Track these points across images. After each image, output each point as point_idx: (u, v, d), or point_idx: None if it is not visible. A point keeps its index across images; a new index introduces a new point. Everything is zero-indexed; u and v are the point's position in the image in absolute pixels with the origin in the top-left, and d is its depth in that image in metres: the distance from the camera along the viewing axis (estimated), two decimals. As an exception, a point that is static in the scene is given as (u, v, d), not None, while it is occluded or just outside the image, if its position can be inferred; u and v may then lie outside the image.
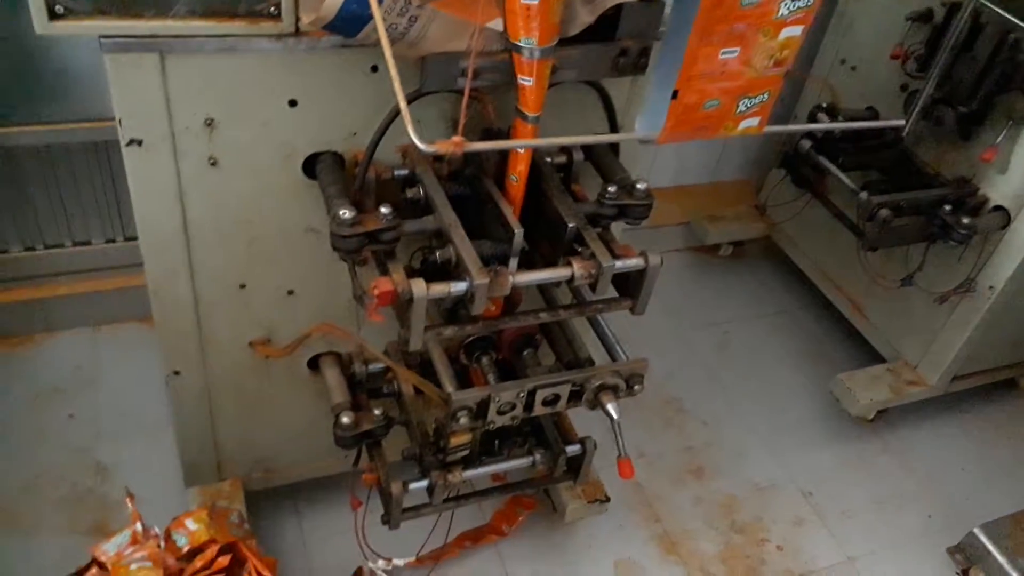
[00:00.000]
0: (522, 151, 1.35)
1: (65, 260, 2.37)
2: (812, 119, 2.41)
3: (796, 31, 0.88)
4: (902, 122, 1.26)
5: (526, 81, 1.25)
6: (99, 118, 2.13)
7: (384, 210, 1.29)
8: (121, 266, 2.41)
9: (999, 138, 2.12)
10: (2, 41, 1.94)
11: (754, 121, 0.95)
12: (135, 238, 1.45)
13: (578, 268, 1.32)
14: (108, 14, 1.16)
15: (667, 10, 1.35)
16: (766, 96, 0.93)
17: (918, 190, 2.24)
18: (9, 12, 1.88)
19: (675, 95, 0.87)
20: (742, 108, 0.93)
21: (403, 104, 0.97)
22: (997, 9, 1.91)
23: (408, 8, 1.14)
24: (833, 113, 2.35)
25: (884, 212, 2.15)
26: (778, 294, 3.00)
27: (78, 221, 2.33)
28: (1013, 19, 1.88)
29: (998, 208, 2.19)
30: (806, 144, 2.34)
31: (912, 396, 2.47)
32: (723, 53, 0.85)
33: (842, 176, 2.28)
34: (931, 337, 2.45)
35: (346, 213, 1.26)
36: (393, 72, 1.01)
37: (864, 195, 2.18)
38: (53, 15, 1.14)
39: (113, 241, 2.40)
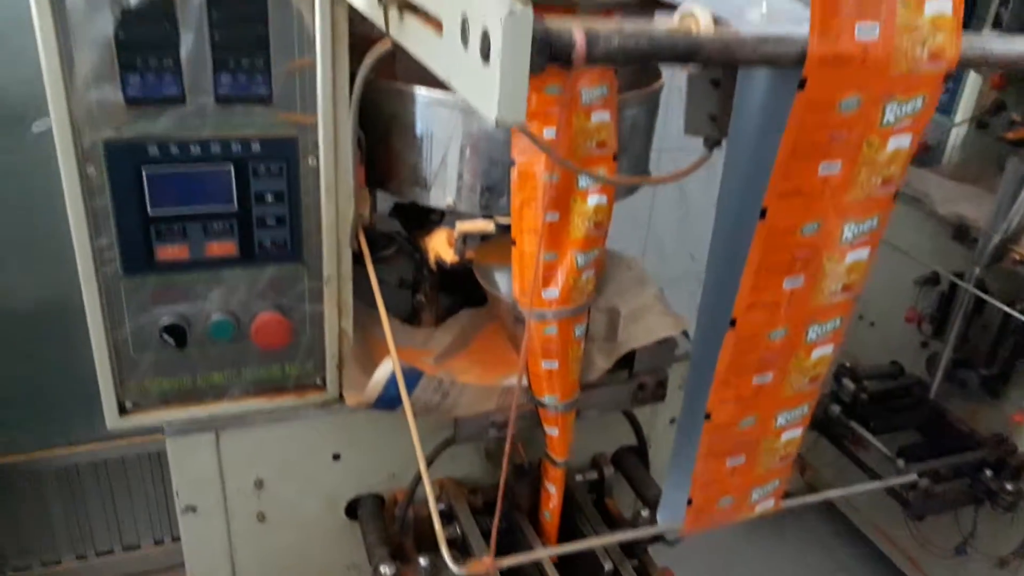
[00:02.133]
0: (553, 490, 1.41)
1: (114, 566, 2.41)
2: (837, 379, 2.47)
3: (795, 433, 0.96)
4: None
5: (552, 431, 1.34)
6: (153, 430, 2.26)
7: (423, 562, 1.33)
8: (168, 567, 2.44)
9: (1026, 400, 2.15)
10: (63, 369, 2.11)
11: (769, 503, 1.01)
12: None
13: (618, 614, 1.32)
14: (171, 404, 1.29)
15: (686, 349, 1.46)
16: (777, 483, 0.99)
17: (955, 452, 2.23)
18: (65, 341, 2.04)
19: (690, 502, 0.93)
20: (755, 497, 0.99)
21: (441, 536, 1.03)
22: (993, 301, 2.00)
23: (441, 386, 1.25)
24: (856, 376, 2.41)
25: (924, 482, 2.13)
26: (832, 550, 2.90)
27: (128, 526, 2.40)
28: (1006, 308, 1.96)
29: (1041, 468, 2.16)
30: (835, 409, 2.38)
31: (992, 670, 2.30)
32: (730, 461, 0.92)
33: (875, 442, 2.29)
34: (1001, 600, 2.32)
35: (386, 570, 1.30)
36: (424, 470, 1.09)
37: (901, 464, 2.17)
38: (123, 411, 1.27)
39: (161, 542, 2.45)
